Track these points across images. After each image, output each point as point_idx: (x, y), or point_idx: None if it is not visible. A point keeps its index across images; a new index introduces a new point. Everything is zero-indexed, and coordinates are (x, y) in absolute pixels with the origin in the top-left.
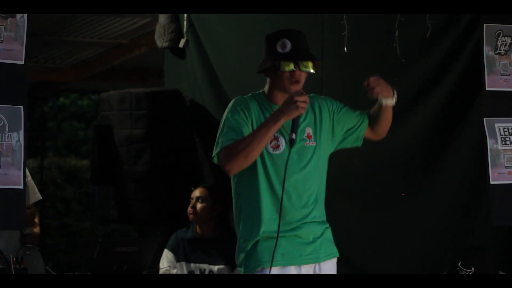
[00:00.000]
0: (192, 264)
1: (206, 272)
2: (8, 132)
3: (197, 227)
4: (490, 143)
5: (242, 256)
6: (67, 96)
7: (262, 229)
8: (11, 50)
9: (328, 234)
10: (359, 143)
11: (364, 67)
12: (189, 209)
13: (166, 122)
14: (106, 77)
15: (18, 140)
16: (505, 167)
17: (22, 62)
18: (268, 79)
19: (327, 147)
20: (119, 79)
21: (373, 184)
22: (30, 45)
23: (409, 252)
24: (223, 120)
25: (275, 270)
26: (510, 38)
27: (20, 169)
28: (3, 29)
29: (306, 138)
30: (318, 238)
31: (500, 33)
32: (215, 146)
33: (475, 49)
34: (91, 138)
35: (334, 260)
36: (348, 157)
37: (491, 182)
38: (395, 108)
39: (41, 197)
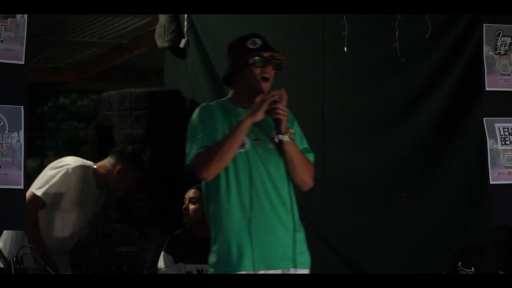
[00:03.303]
0: (189, 265)
1: (204, 272)
2: (8, 132)
3: (193, 228)
4: (490, 143)
5: (213, 257)
6: (67, 96)
7: (229, 230)
8: (11, 50)
9: (302, 239)
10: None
11: (364, 67)
12: (183, 210)
13: (166, 122)
14: (106, 77)
15: (18, 140)
16: (505, 167)
17: (22, 62)
18: (232, 88)
19: None
20: (119, 79)
21: (374, 184)
22: (30, 45)
23: (409, 252)
24: (191, 128)
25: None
26: (510, 38)
27: (20, 169)
28: (3, 29)
29: (272, 140)
30: (292, 242)
31: (500, 33)
32: (187, 154)
33: (475, 49)
34: (91, 138)
35: (307, 271)
36: (349, 157)
37: (491, 182)
38: (395, 108)
39: None
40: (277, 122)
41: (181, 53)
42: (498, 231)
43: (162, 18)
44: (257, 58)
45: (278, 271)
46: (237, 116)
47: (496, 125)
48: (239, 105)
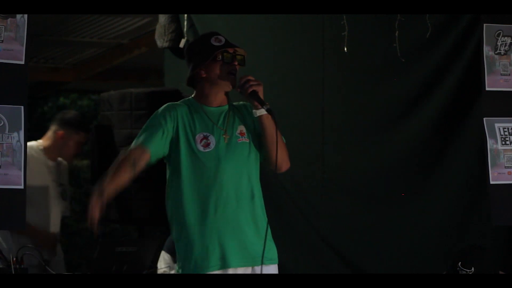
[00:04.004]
0: None
1: None
2: (8, 132)
3: None
4: (490, 143)
5: (178, 258)
6: (67, 96)
7: (193, 230)
8: (11, 50)
9: (269, 235)
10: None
11: (364, 67)
12: None
13: None
14: (106, 77)
15: (19, 140)
16: (505, 167)
17: (22, 62)
18: (196, 89)
19: (256, 145)
20: (119, 79)
21: (374, 184)
22: (30, 45)
23: (409, 252)
24: (150, 119)
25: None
26: (510, 38)
27: (20, 169)
28: (3, 29)
29: (239, 135)
30: (260, 239)
31: (500, 33)
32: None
33: (475, 49)
34: (91, 138)
35: (275, 266)
36: (349, 157)
37: (491, 182)
38: (395, 108)
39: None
40: (255, 95)
41: (181, 53)
42: (498, 231)
43: (162, 18)
44: (225, 54)
45: (248, 269)
46: (203, 112)
47: (496, 125)
48: (206, 103)
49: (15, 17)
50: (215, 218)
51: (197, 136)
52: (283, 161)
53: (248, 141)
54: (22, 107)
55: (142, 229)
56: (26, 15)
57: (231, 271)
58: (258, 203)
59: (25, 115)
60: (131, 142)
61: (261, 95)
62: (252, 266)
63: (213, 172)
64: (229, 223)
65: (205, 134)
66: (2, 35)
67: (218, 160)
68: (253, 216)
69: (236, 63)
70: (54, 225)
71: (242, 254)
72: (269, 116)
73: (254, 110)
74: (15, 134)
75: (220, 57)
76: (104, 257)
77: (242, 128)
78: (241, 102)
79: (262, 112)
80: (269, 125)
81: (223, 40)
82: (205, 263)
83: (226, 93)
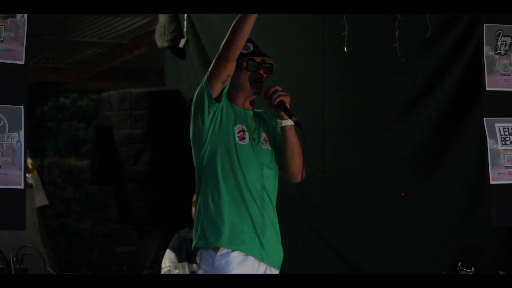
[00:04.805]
0: (194, 265)
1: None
2: (8, 132)
3: None
4: (490, 143)
5: (217, 234)
6: (67, 96)
7: (231, 215)
8: (11, 50)
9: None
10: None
11: (364, 67)
12: (193, 211)
13: (166, 122)
14: (106, 77)
15: (19, 140)
16: (505, 167)
17: (22, 62)
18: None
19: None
20: (119, 79)
21: (374, 184)
22: (30, 45)
23: (409, 252)
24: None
25: (236, 254)
26: (510, 38)
27: (20, 169)
28: (3, 29)
29: (263, 141)
30: (277, 242)
31: (500, 33)
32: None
33: (475, 49)
34: (91, 138)
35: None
36: (349, 157)
37: (491, 182)
38: (395, 108)
39: (47, 202)
40: (282, 105)
41: (181, 53)
42: (498, 231)
43: (162, 18)
44: (250, 62)
45: (275, 271)
46: (233, 110)
47: (496, 125)
48: (233, 103)
49: (15, 17)
50: (247, 212)
51: (236, 126)
52: (301, 172)
53: (270, 149)
54: (22, 107)
55: (142, 229)
56: (26, 15)
57: (252, 259)
58: (274, 208)
59: (25, 115)
60: (131, 142)
61: (288, 105)
62: (270, 266)
63: (244, 169)
64: (258, 223)
65: (242, 127)
66: (2, 35)
67: (248, 158)
68: (274, 221)
69: (262, 71)
70: None
71: (278, 254)
72: (293, 128)
73: (279, 120)
74: (15, 134)
75: (245, 65)
76: (104, 257)
77: (265, 135)
78: (261, 110)
79: (287, 123)
80: (292, 137)
81: (252, 47)
82: (227, 240)
83: (252, 100)
